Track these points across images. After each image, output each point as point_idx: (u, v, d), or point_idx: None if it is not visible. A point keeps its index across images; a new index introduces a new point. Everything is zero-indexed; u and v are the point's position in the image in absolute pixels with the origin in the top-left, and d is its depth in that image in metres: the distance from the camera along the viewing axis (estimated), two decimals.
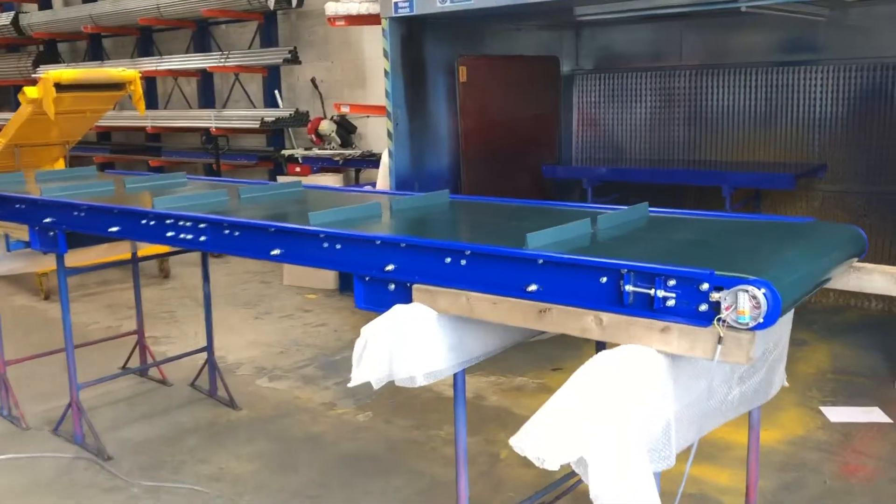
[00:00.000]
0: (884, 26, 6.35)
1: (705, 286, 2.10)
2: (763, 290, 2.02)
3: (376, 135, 9.25)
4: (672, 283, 2.15)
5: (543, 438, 2.11)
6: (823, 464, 4.09)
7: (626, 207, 2.98)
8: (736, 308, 2.05)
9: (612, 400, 2.05)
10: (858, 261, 2.72)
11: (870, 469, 4.07)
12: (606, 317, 2.24)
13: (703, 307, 2.11)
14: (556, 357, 5.53)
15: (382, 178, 6.95)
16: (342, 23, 7.22)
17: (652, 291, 2.17)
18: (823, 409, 4.76)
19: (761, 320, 2.03)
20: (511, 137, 7.07)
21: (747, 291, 2.03)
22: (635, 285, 2.21)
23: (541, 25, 7.56)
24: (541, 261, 2.37)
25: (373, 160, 8.79)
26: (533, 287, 2.38)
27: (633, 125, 7.76)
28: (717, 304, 2.08)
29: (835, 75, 6.61)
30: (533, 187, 7.19)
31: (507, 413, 4.86)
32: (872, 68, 6.45)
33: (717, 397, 2.48)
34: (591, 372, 2.12)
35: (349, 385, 2.56)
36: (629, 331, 2.21)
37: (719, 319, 2.07)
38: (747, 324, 2.04)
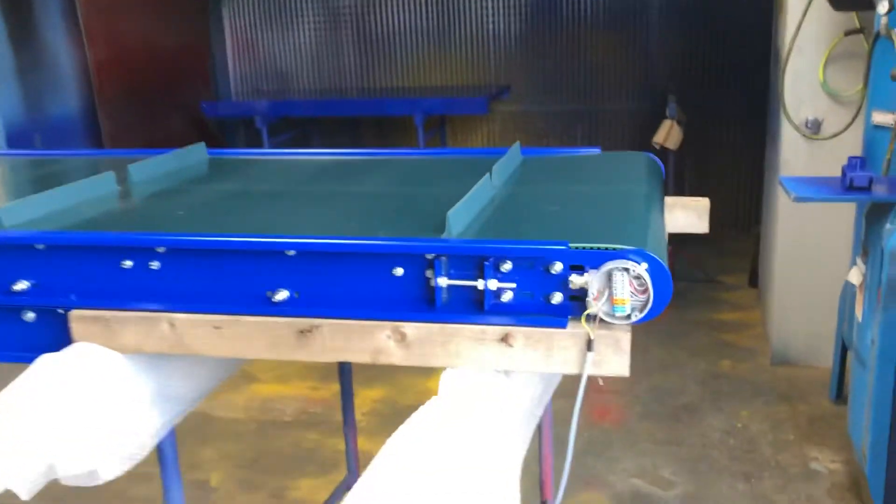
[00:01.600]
0: None
1: (558, 267, 1.39)
2: (645, 265, 1.36)
3: None
4: (507, 267, 1.41)
5: None
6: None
7: (506, 151, 2.12)
8: (611, 295, 1.37)
9: (454, 474, 1.28)
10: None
11: (616, 408, 3.83)
12: (412, 328, 1.44)
13: (558, 298, 1.41)
14: None
15: None
16: None
17: (479, 283, 1.41)
18: None
19: (649, 309, 1.37)
20: (157, 71, 5.79)
21: (626, 269, 1.36)
22: (451, 276, 1.44)
23: None
24: (292, 252, 1.49)
25: None
26: (284, 294, 1.49)
27: (297, 52, 6.85)
28: (580, 292, 1.39)
29: None
30: (193, 129, 6.02)
31: (206, 419, 3.87)
32: None
33: (542, 402, 1.82)
34: (411, 440, 1.32)
35: None
36: (449, 346, 1.44)
37: (588, 316, 1.38)
38: (627, 316, 1.38)
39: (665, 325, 4.74)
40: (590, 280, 1.37)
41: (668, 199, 2.18)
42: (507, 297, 1.42)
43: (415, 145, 5.61)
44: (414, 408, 1.42)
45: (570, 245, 1.38)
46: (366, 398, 3.91)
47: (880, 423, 2.62)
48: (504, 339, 1.41)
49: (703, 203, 2.23)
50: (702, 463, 3.32)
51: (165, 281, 1.55)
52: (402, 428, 1.36)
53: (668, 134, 5.17)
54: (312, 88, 6.81)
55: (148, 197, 2.01)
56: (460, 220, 1.52)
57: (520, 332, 1.41)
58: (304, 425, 3.73)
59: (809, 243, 3.94)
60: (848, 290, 3.38)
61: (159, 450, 1.80)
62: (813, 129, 3.78)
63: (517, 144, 2.17)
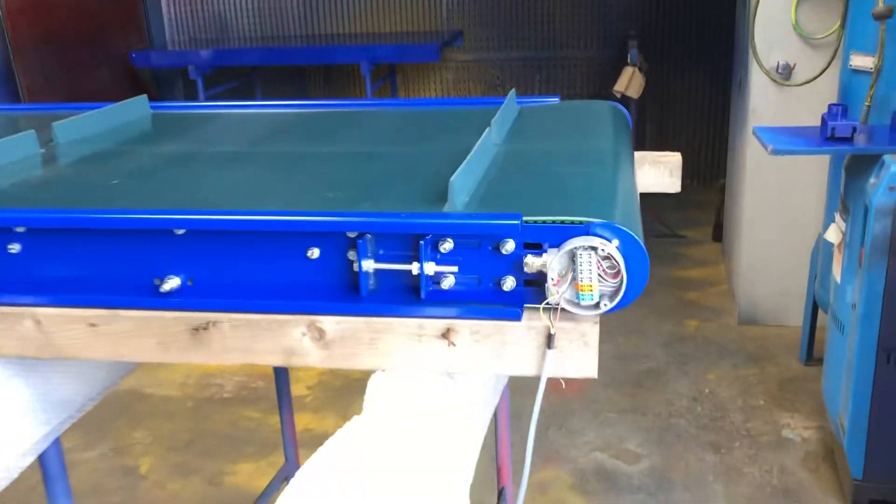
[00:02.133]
0: None
1: (510, 246, 1.13)
2: (616, 243, 1.10)
3: None
4: (447, 246, 1.14)
5: None
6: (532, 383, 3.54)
7: (503, 101, 1.78)
8: (575, 279, 1.11)
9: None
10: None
11: (577, 380, 3.61)
12: (332, 323, 1.17)
13: (510, 284, 1.15)
14: None
15: None
16: None
17: (413, 266, 1.14)
18: None
19: (621, 296, 1.12)
20: (82, 17, 5.33)
21: (594, 248, 1.10)
22: (379, 259, 1.16)
23: None
24: (181, 230, 1.20)
25: None
26: (174, 283, 1.21)
27: None
28: (538, 276, 1.13)
29: None
30: (123, 82, 5.59)
31: (137, 397, 3.58)
32: None
33: (496, 393, 1.58)
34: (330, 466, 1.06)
35: None
36: (378, 344, 1.17)
37: (547, 305, 1.12)
38: (595, 305, 1.12)
39: None
40: (549, 261, 1.11)
41: (637, 155, 1.93)
42: (448, 283, 1.15)
43: (363, 95, 5.28)
44: (365, 380, 1.19)
45: (524, 218, 1.12)
46: (312, 370, 3.65)
47: (861, 393, 2.43)
48: (445, 334, 1.15)
49: (675, 159, 1.99)
50: (668, 433, 3.14)
51: (28, 268, 1.25)
52: (325, 445, 1.10)
53: (630, 82, 4.90)
54: (253, 36, 6.39)
55: (77, 162, 1.64)
56: (464, 186, 1.23)
57: (464, 326, 1.15)
58: (244, 402, 3.46)
59: (779, 196, 3.74)
60: (822, 247, 3.19)
61: (42, 466, 1.52)
62: (784, 74, 3.55)
63: (513, 93, 1.86)
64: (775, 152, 2.39)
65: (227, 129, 1.95)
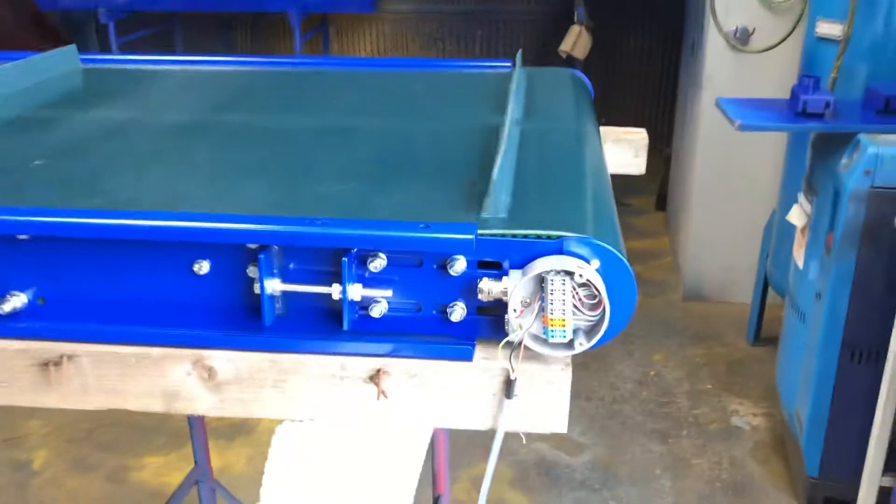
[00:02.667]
0: None
1: (461, 265, 0.87)
2: (596, 263, 0.86)
3: None
4: (379, 264, 0.88)
5: None
6: None
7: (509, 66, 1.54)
8: (544, 310, 0.86)
9: None
10: None
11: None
12: (225, 360, 0.90)
13: (460, 313, 0.89)
14: None
15: None
16: None
17: (333, 289, 0.88)
18: None
19: (602, 333, 0.87)
20: None
21: (569, 273, 0.85)
22: (288, 278, 0.89)
23: None
24: (24, 235, 0.91)
25: None
26: (18, 301, 0.92)
27: None
28: (496, 304, 0.88)
29: None
30: (28, 26, 5.06)
31: None
32: None
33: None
34: None
35: None
36: (286, 387, 0.91)
37: (508, 342, 0.87)
38: (568, 342, 0.88)
39: None
40: (510, 287, 0.86)
41: (602, 129, 1.68)
42: (379, 310, 0.89)
43: (292, 49, 4.90)
44: None
45: (480, 231, 0.86)
46: None
47: (822, 388, 2.28)
48: (374, 377, 0.89)
49: (640, 136, 1.76)
50: (613, 420, 2.96)
51: None
52: None
53: (577, 41, 4.65)
54: None
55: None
56: (504, 183, 0.95)
57: (399, 367, 0.89)
58: None
59: (731, 168, 3.56)
60: (777, 224, 3.02)
61: None
62: (741, 39, 3.34)
63: (520, 60, 1.55)
64: (743, 128, 2.18)
65: (178, 91, 1.59)
